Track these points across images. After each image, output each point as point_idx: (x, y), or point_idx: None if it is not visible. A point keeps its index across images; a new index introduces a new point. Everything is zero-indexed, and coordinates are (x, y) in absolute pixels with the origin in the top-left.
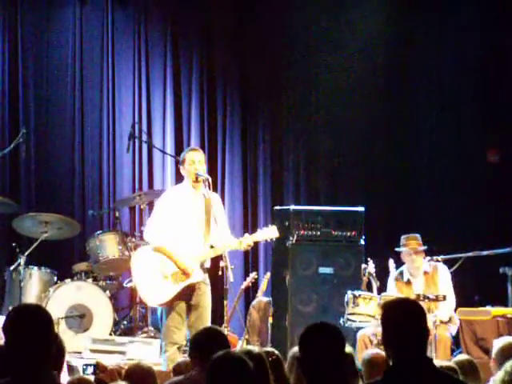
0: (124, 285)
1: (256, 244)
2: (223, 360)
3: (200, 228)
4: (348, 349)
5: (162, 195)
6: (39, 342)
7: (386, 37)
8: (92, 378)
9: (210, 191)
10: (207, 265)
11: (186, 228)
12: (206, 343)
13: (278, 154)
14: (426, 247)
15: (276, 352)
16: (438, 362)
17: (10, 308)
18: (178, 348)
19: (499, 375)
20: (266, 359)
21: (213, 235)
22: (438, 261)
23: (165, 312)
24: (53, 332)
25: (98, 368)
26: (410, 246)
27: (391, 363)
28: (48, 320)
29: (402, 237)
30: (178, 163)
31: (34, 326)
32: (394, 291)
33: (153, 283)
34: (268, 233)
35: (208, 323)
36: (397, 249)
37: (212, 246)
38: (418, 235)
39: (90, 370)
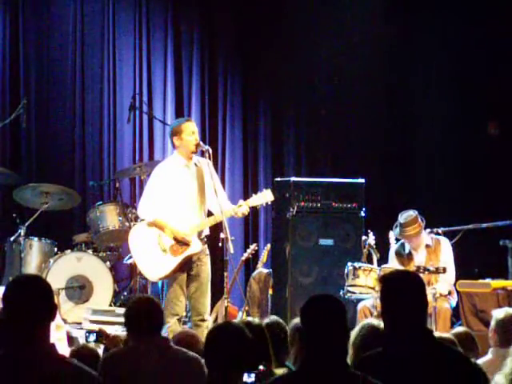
0: (124, 261)
1: (256, 215)
2: (222, 329)
3: (195, 198)
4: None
5: (154, 169)
6: (38, 313)
7: (386, 22)
8: (94, 345)
9: (200, 157)
10: (205, 233)
11: (182, 200)
12: (140, 315)
13: (278, 125)
14: (424, 223)
15: (283, 326)
16: (436, 335)
17: (10, 279)
18: (179, 320)
19: (508, 365)
20: (265, 330)
21: (209, 203)
22: (438, 233)
23: (166, 284)
24: (52, 302)
25: (101, 335)
26: (407, 232)
27: (389, 334)
28: (48, 290)
29: (399, 221)
30: (173, 134)
31: (34, 297)
32: (395, 264)
33: (152, 258)
34: (263, 197)
35: (208, 294)
36: (393, 231)
37: (210, 214)
38: (414, 215)
39: (93, 337)
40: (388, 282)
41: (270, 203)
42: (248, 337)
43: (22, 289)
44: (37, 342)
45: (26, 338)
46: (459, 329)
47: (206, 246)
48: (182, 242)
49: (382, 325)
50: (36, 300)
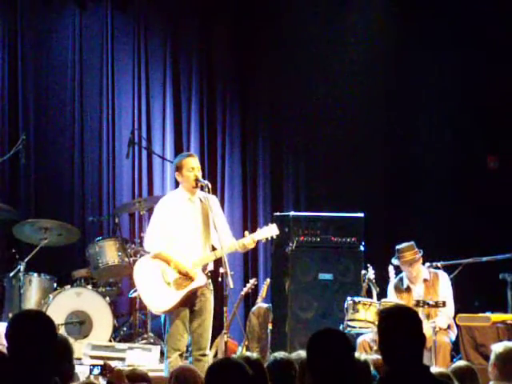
0: (129, 295)
1: (256, 250)
2: (222, 365)
3: (199, 233)
4: (363, 357)
5: (158, 203)
6: (42, 348)
7: (386, 38)
8: (100, 381)
9: (206, 194)
10: (209, 268)
11: (185, 234)
12: None
13: (277, 160)
14: (421, 253)
15: (293, 362)
16: (432, 369)
17: (10, 315)
18: (180, 355)
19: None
20: (263, 365)
21: (213, 239)
22: (437, 267)
23: (168, 319)
24: (55, 338)
25: (105, 368)
26: (405, 258)
27: (387, 369)
28: (50, 325)
29: (397, 248)
30: (175, 170)
31: (37, 332)
32: (393, 298)
33: (156, 291)
34: (268, 231)
35: (210, 329)
36: (392, 261)
37: (214, 249)
38: (412, 244)
39: (97, 370)
40: (385, 317)
41: (274, 237)
42: (247, 372)
43: (25, 324)
44: (40, 377)
45: (29, 374)
46: (460, 363)
47: (210, 281)
48: (185, 276)
49: (362, 357)
50: (39, 335)
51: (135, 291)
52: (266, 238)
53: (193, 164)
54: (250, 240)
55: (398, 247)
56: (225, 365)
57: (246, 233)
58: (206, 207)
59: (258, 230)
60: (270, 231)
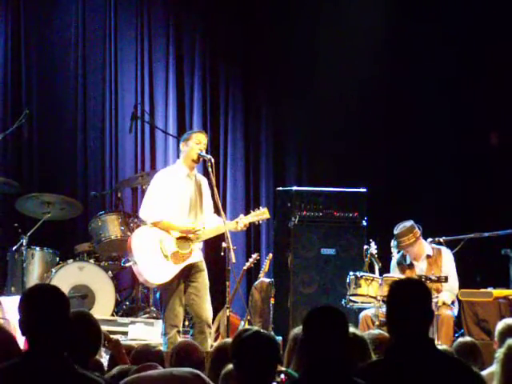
0: (121, 264)
1: (258, 225)
2: (252, 338)
3: (193, 208)
4: (359, 333)
5: (155, 175)
6: (56, 323)
7: (387, 16)
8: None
9: (199, 174)
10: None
11: (181, 207)
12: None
13: (280, 135)
14: (420, 231)
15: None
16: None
17: (13, 288)
18: (178, 331)
19: (501, 350)
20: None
21: (206, 216)
22: (439, 242)
23: (165, 295)
24: (68, 313)
25: (104, 338)
26: (402, 243)
27: (392, 342)
28: (65, 301)
29: (394, 232)
30: (182, 140)
31: (52, 306)
32: (396, 274)
33: (154, 263)
34: (259, 215)
35: (208, 299)
36: (392, 243)
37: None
38: (408, 225)
39: None
40: (395, 288)
41: (265, 221)
42: (279, 346)
43: (40, 298)
44: (54, 351)
45: (41, 348)
46: (465, 339)
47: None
48: (186, 245)
49: (358, 333)
50: (54, 309)
51: (128, 261)
52: (258, 221)
53: (201, 139)
54: (245, 221)
55: (395, 232)
56: (255, 338)
57: (241, 215)
58: (201, 185)
59: (250, 212)
60: (261, 216)
